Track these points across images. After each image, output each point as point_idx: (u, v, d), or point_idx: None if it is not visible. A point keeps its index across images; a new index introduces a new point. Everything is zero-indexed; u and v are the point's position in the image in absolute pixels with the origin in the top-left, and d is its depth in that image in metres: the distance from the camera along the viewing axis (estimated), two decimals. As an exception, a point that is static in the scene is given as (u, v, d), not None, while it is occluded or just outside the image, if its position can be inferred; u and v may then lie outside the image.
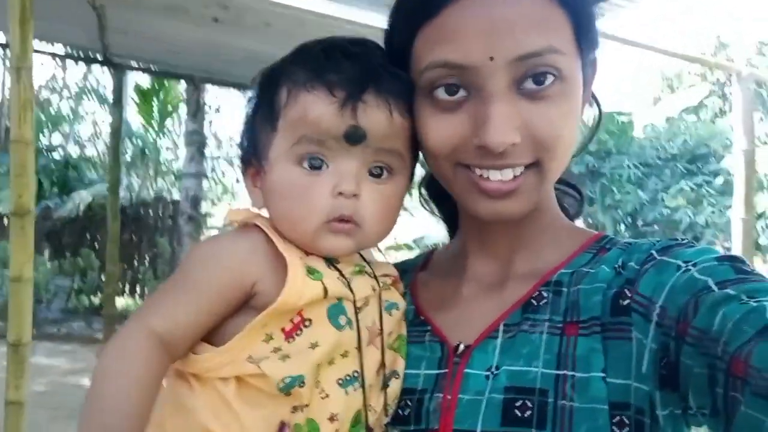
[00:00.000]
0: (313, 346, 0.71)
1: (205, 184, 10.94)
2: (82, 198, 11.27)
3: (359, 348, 0.76)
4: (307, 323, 0.72)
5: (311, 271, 0.73)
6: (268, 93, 0.79)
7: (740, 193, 5.02)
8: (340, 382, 0.74)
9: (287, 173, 0.75)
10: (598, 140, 11.39)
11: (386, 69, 0.76)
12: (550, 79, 0.71)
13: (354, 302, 0.76)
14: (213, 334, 0.74)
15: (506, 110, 0.70)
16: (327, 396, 0.72)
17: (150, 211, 11.66)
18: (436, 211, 1.02)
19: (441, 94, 0.73)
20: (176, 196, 12.77)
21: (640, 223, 10.79)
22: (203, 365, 0.72)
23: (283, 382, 0.69)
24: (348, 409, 0.74)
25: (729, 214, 9.64)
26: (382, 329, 0.79)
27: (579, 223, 0.95)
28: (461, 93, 0.73)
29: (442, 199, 0.99)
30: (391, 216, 0.80)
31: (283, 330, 0.71)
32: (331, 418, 0.72)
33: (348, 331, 0.74)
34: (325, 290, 0.72)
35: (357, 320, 0.76)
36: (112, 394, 0.65)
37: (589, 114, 0.88)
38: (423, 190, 1.00)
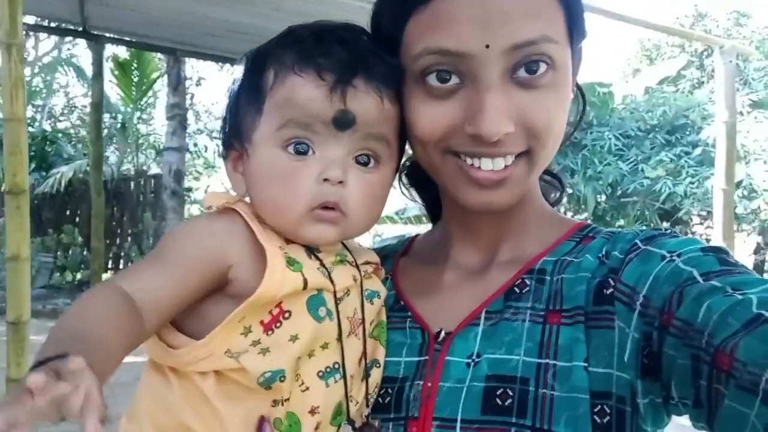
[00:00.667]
0: (293, 338, 0.70)
1: (186, 158, 10.83)
2: (63, 173, 11.12)
3: (340, 339, 0.75)
4: (286, 315, 0.70)
5: (291, 262, 0.71)
6: (254, 75, 0.76)
7: (721, 164, 5.11)
8: (321, 374, 0.73)
9: (271, 157, 0.73)
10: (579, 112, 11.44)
11: (376, 54, 0.74)
12: (543, 67, 0.70)
13: (334, 293, 0.74)
14: (190, 327, 0.72)
15: (501, 99, 0.70)
16: (307, 389, 0.72)
17: (131, 185, 11.54)
18: (417, 198, 1.02)
19: (432, 81, 0.72)
20: (155, 170, 12.64)
21: (619, 193, 10.95)
22: (181, 359, 0.70)
23: (263, 376, 0.68)
24: (329, 402, 0.73)
25: (707, 184, 9.83)
26: (363, 319, 0.78)
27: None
28: (454, 80, 0.72)
29: (424, 187, 0.99)
30: (376, 205, 0.78)
31: (261, 322, 0.70)
32: (312, 411, 0.71)
33: (328, 322, 0.73)
34: (305, 282, 0.71)
35: (337, 311, 0.74)
36: (70, 324, 0.59)
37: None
38: (404, 178, 0.99)
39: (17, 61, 2.89)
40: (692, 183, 10.02)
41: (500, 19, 0.68)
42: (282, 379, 0.69)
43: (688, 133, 10.92)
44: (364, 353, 0.78)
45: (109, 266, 10.94)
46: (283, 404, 0.70)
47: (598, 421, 0.67)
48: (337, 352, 0.74)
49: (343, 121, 0.71)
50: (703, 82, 14.57)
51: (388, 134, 0.76)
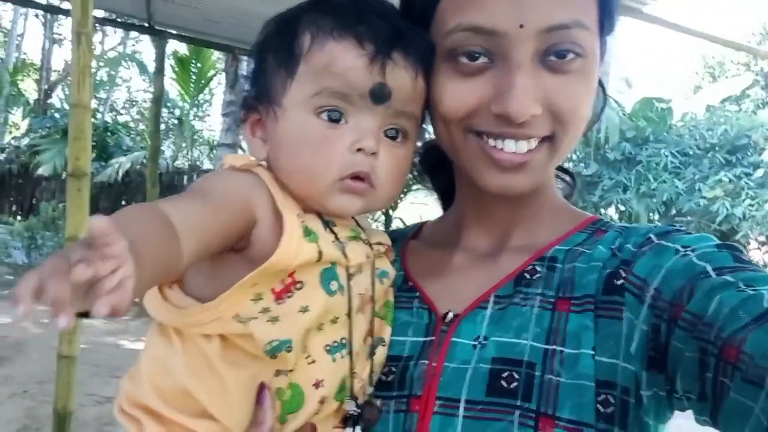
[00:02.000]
0: (303, 310, 0.69)
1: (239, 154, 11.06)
2: (121, 164, 11.52)
3: (349, 315, 0.73)
4: (298, 285, 0.69)
5: (307, 232, 0.70)
6: (286, 37, 0.73)
7: (785, 186, 4.91)
8: (328, 348, 0.72)
9: (303, 123, 0.71)
10: (635, 127, 11.20)
11: (412, 29, 0.73)
12: (572, 54, 0.70)
13: (347, 268, 0.73)
14: (198, 290, 0.70)
15: (530, 81, 0.69)
16: (314, 362, 0.71)
17: (185, 179, 11.85)
18: (429, 183, 1.00)
19: (462, 58, 0.72)
20: (208, 165, 12.94)
21: (674, 212, 10.63)
22: (188, 320, 0.68)
23: (270, 345, 0.67)
24: (334, 376, 0.72)
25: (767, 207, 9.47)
26: (373, 297, 0.77)
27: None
28: (483, 59, 0.71)
29: (437, 173, 0.97)
30: (401, 180, 0.77)
31: (273, 290, 0.68)
32: (316, 384, 0.71)
33: (339, 297, 0.72)
34: (320, 253, 0.69)
35: (349, 286, 0.73)
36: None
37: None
38: (417, 164, 0.95)
39: (86, 50, 3.00)
40: (752, 205, 9.66)
41: (536, 1, 0.68)
42: (288, 349, 0.68)
43: (749, 153, 10.52)
44: (371, 331, 0.77)
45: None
46: (287, 374, 0.70)
47: (602, 410, 0.66)
48: (345, 328, 0.74)
49: (379, 95, 0.70)
50: (767, 103, 14.03)
51: (417, 111, 0.76)
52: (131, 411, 0.71)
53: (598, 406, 0.66)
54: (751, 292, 0.58)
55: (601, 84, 0.83)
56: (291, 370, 0.70)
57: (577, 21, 0.69)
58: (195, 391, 0.68)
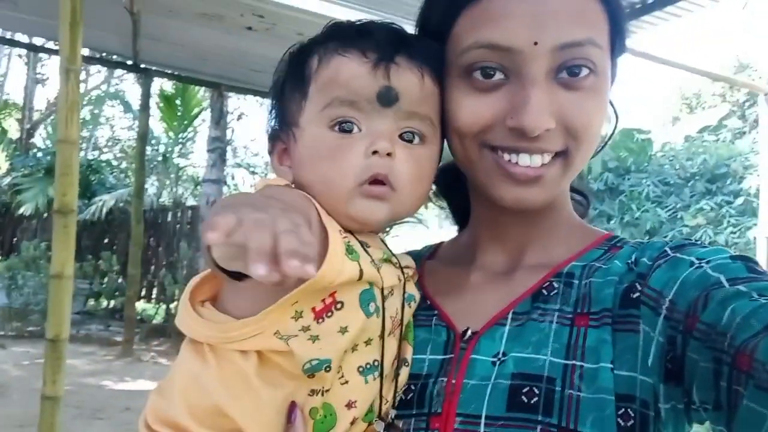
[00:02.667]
0: (343, 330, 0.69)
1: (224, 191, 11.00)
2: (104, 202, 11.42)
3: (382, 337, 0.74)
4: (338, 306, 0.70)
5: (350, 251, 0.70)
6: (299, 65, 0.78)
7: (765, 211, 5.00)
8: (361, 369, 0.73)
9: (319, 136, 0.74)
10: (617, 157, 11.38)
11: (417, 38, 0.78)
12: (585, 71, 0.73)
13: (382, 290, 0.74)
14: (233, 308, 0.70)
15: (544, 96, 0.71)
16: (347, 382, 0.71)
17: (169, 216, 11.75)
18: (444, 203, 1.03)
19: (477, 75, 0.74)
20: (192, 201, 12.86)
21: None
22: (227, 334, 0.68)
23: (309, 363, 0.68)
24: (366, 398, 0.73)
25: (750, 234, 9.59)
26: (402, 320, 0.78)
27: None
28: (498, 75, 0.74)
29: (452, 193, 1.00)
30: (424, 181, 0.78)
31: (313, 309, 0.69)
32: (349, 405, 0.71)
33: (375, 318, 0.73)
34: (361, 272, 0.70)
35: (383, 308, 0.74)
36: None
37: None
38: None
39: (74, 87, 3.00)
40: (734, 233, 9.78)
41: (550, 19, 0.71)
42: (327, 369, 0.69)
43: (729, 182, 10.71)
44: (398, 354, 0.78)
45: (142, 294, 11.05)
46: (322, 394, 0.70)
47: (622, 424, 0.66)
48: (377, 350, 0.74)
49: (387, 97, 0.72)
50: (744, 132, 14.35)
51: (431, 114, 0.77)
52: (158, 428, 0.70)
53: (619, 419, 0.66)
54: (764, 301, 0.59)
55: (612, 104, 0.85)
56: (327, 390, 0.69)
57: (589, 39, 0.72)
58: (229, 409, 0.67)
